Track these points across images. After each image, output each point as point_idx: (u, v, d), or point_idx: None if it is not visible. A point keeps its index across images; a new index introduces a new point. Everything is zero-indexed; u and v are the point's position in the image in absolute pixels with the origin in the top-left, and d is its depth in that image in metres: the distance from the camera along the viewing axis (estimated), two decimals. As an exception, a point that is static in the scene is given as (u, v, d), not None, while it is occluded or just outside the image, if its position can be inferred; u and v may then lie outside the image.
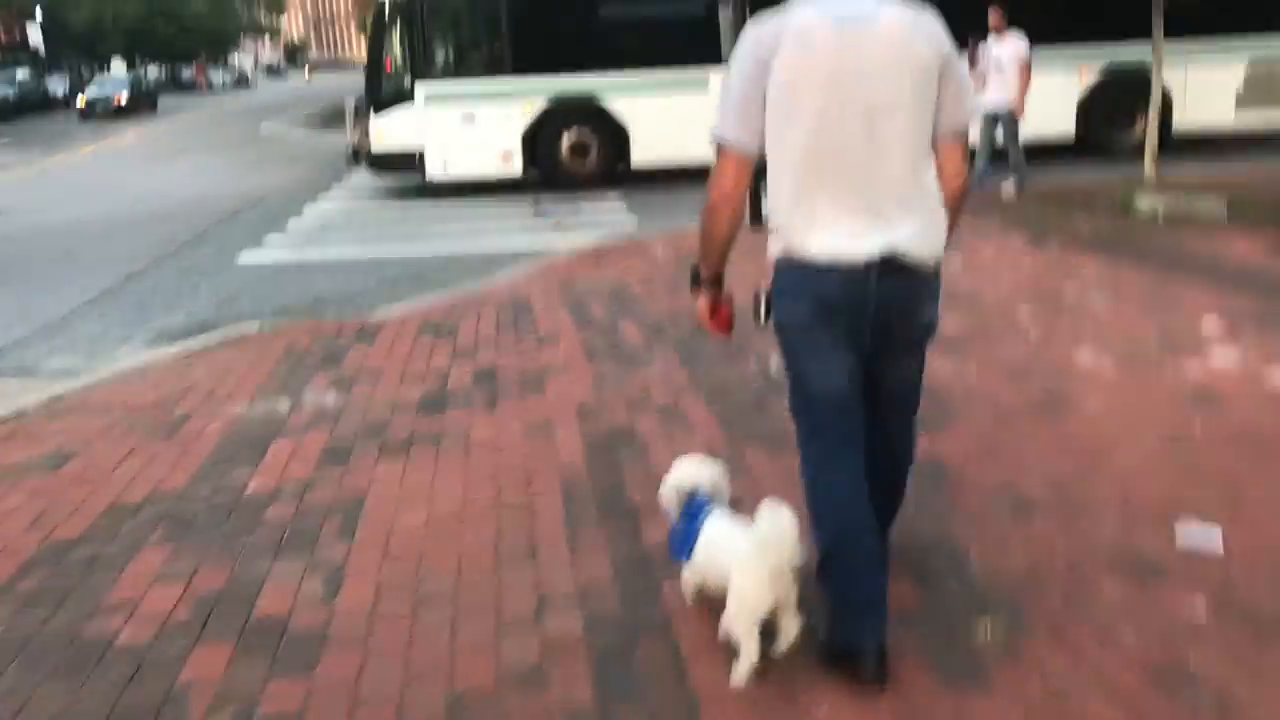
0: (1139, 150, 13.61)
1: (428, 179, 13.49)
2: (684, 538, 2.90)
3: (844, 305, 2.62)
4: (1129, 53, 13.20)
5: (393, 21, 13.45)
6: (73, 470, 4.45)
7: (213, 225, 12.36)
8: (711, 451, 3.80)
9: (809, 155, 2.58)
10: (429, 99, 13.20)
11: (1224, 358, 5.15)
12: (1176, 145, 12.89)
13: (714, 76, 13.03)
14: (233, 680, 2.84)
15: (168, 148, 23.61)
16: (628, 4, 13.27)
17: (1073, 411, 4.56)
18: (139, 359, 6.34)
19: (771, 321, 2.76)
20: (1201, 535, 3.34)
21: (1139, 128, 13.83)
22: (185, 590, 3.34)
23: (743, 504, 3.02)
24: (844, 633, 2.70)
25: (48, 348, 7.19)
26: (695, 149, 13.36)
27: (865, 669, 2.64)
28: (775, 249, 2.71)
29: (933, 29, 2.62)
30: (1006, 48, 10.72)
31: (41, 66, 49.38)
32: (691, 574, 2.93)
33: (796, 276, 2.66)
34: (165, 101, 45.44)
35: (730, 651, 2.69)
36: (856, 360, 2.70)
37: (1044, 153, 11.64)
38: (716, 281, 2.86)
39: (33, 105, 42.28)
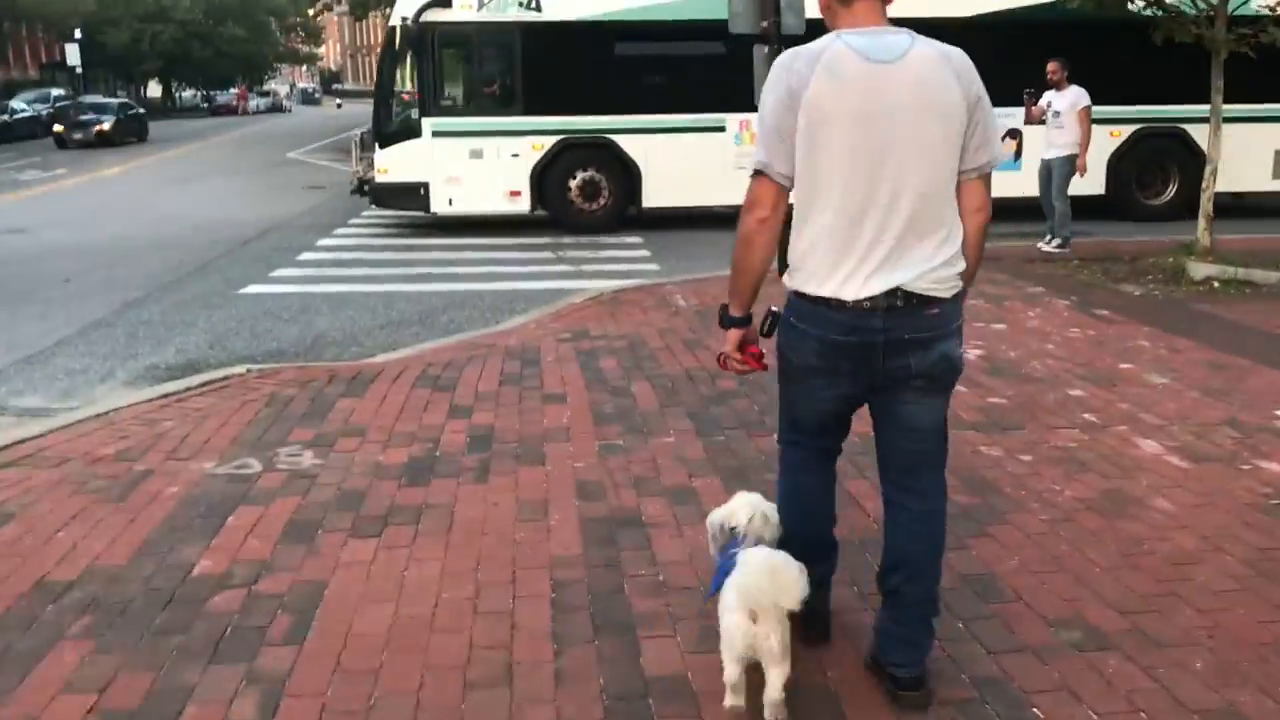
0: (1166, 212, 13.35)
1: (431, 213, 13.14)
2: (717, 576, 2.80)
3: (850, 345, 2.64)
4: (1162, 114, 13.20)
5: (403, 52, 13.09)
6: (7, 535, 3.94)
7: (222, 254, 11.96)
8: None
9: (832, 189, 2.60)
10: (436, 132, 12.86)
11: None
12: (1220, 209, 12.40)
13: (730, 120, 12.71)
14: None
15: (178, 174, 23.34)
16: (644, 44, 12.84)
17: (1139, 514, 3.99)
18: (113, 401, 5.85)
19: (774, 339, 2.81)
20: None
21: (1170, 190, 13.53)
22: (94, 705, 2.82)
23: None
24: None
25: (23, 382, 6.74)
26: (708, 192, 13.27)
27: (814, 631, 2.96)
28: (790, 282, 2.73)
29: (963, 68, 2.62)
30: (1065, 98, 10.54)
31: (78, 86, 49.68)
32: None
33: (805, 314, 2.69)
34: (166, 128, 44.32)
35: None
36: (857, 397, 2.77)
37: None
38: (746, 320, 2.85)
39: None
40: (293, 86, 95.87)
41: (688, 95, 12.75)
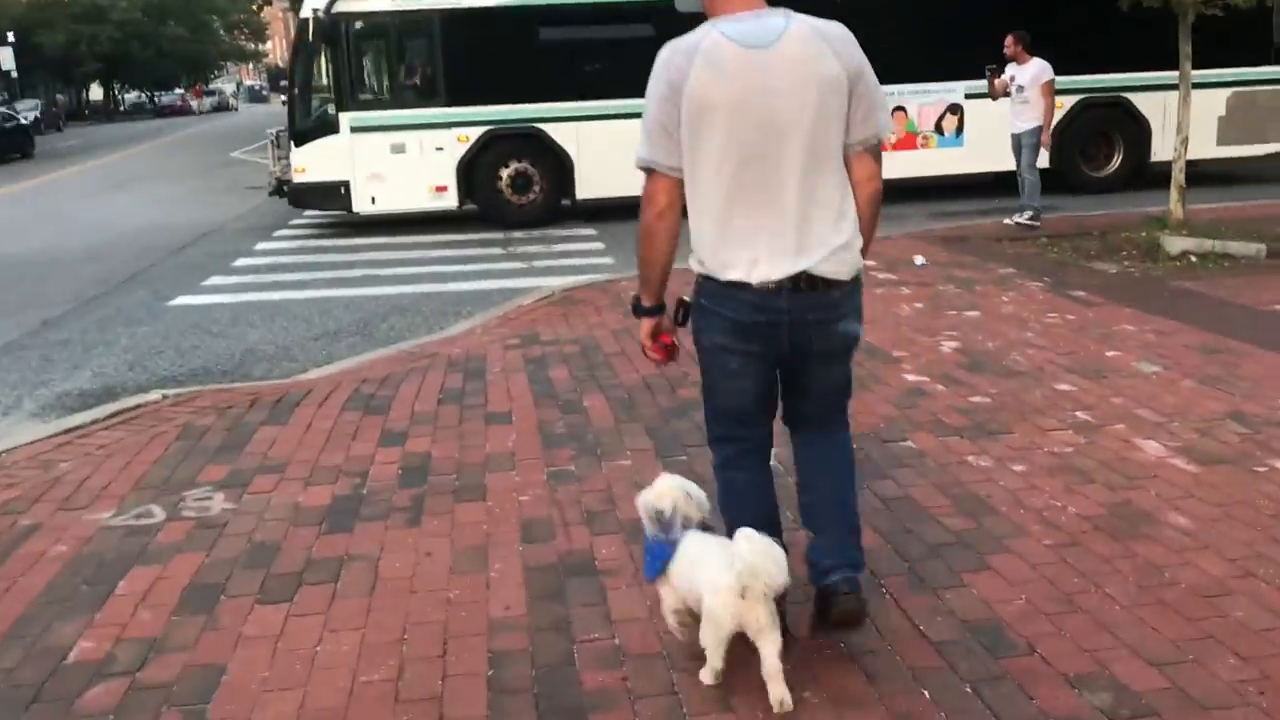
0: (1111, 183, 13.08)
1: (354, 213, 12.54)
2: (654, 558, 2.83)
3: (758, 325, 2.71)
4: (1104, 83, 12.86)
5: (316, 45, 12.38)
6: None
7: (154, 263, 11.30)
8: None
9: (721, 176, 2.66)
10: (355, 128, 12.24)
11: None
12: (1152, 179, 12.44)
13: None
14: None
15: (117, 179, 22.46)
16: (570, 28, 12.29)
17: (1153, 533, 3.55)
18: (10, 440, 5.27)
19: (689, 326, 2.88)
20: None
21: (1115, 160, 13.21)
22: None
23: None
24: None
25: (-84, 419, 6.14)
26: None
27: None
28: (696, 266, 2.80)
29: (841, 43, 2.67)
30: (1028, 71, 10.18)
31: (13, 90, 48.21)
32: (672, 595, 2.84)
33: (714, 296, 2.76)
34: (109, 131, 41.19)
35: None
36: (769, 373, 2.84)
37: (1012, 186, 10.89)
38: (658, 309, 2.91)
39: (-1, 131, 40.87)
40: (239, 85, 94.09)
41: (619, 81, 12.14)
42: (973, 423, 4.75)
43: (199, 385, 6.30)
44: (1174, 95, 9.77)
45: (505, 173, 12.63)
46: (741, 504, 2.94)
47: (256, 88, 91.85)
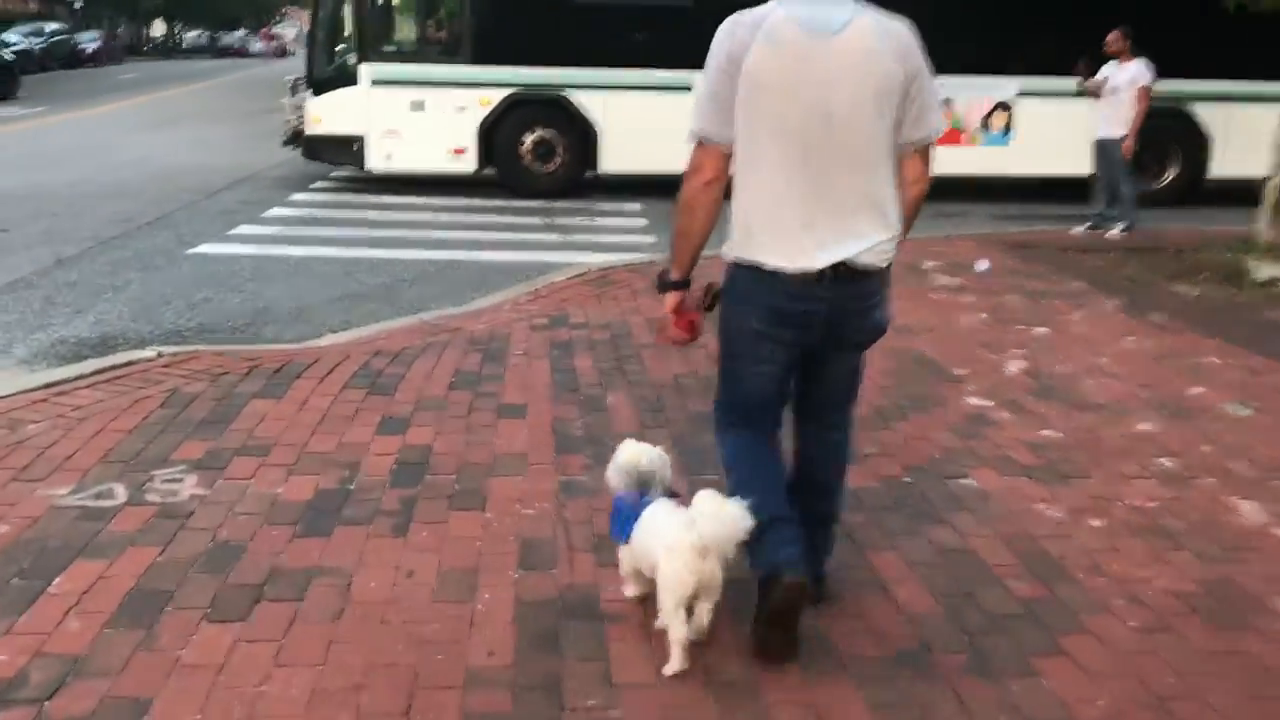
0: (1165, 197, 12.10)
1: (367, 170, 12.05)
2: (625, 520, 2.80)
3: (795, 313, 2.69)
4: (1161, 92, 11.35)
5: None
6: None
7: (183, 205, 10.91)
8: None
9: (769, 157, 2.62)
10: (375, 80, 11.72)
11: None
12: (1210, 194, 11.71)
13: (697, 80, 11.59)
14: None
15: (160, 117, 22.11)
16: None
17: (1260, 623, 3.01)
18: (-13, 390, 4.87)
19: (717, 313, 2.83)
20: None
21: (1169, 173, 12.35)
22: None
23: None
24: (766, 557, 2.68)
25: (-101, 357, 5.76)
26: (674, 158, 11.86)
27: (786, 577, 2.62)
28: (730, 251, 2.75)
29: (902, 40, 2.63)
30: (1126, 72, 9.49)
31: (76, 21, 48.21)
32: (629, 557, 2.84)
33: (750, 282, 2.72)
34: (165, 69, 41.71)
35: None
36: (794, 361, 2.82)
37: (1060, 194, 10.25)
38: (685, 284, 2.84)
39: (60, 61, 40.88)
40: (300, 30, 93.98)
41: (651, 51, 11.51)
42: (1044, 461, 4.20)
43: (201, 344, 5.88)
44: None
45: (528, 139, 12.05)
46: (759, 503, 2.69)
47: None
